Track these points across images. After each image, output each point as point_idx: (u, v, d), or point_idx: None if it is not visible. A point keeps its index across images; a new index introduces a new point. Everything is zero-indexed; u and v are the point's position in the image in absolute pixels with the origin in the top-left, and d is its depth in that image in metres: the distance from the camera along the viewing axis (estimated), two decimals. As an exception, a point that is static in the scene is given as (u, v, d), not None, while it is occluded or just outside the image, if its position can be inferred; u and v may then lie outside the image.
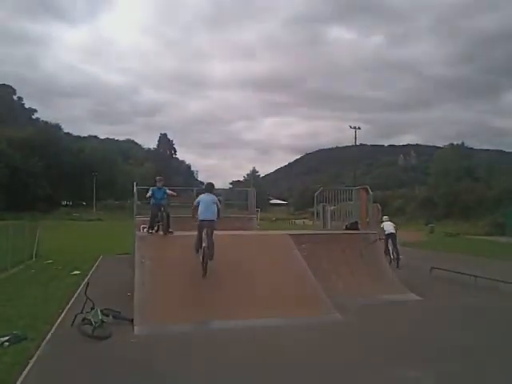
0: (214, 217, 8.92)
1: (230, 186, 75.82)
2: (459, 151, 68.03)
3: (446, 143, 78.42)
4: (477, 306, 9.66)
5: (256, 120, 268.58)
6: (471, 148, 74.02)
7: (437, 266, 13.51)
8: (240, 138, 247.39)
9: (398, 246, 16.13)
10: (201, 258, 8.60)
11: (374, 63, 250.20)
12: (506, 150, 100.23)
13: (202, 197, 9.16)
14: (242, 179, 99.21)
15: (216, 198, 9.34)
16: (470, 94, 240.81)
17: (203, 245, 8.62)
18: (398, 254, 15.63)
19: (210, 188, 9.50)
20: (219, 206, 9.31)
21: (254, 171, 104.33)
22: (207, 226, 8.77)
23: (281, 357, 6.09)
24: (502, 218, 37.35)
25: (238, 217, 15.58)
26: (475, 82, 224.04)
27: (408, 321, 8.40)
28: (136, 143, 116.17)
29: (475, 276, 11.84)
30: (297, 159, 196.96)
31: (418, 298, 10.22)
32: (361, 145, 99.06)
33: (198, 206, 8.97)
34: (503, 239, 29.79)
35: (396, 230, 16.43)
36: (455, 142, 73.68)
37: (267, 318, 7.67)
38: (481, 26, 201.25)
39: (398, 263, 15.17)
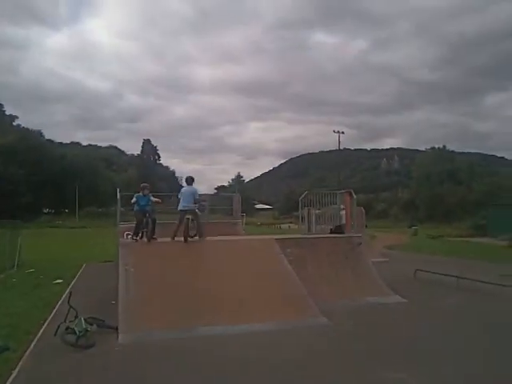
0: (193, 206, 10.09)
1: (215, 191, 75.74)
2: (441, 155, 69.21)
3: (428, 147, 79.70)
4: (460, 306, 9.82)
5: (241, 125, 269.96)
6: (453, 151, 75.45)
7: (420, 268, 13.67)
8: (225, 143, 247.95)
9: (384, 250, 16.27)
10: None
11: (358, 67, 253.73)
12: (487, 153, 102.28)
13: (182, 189, 10.43)
14: (226, 184, 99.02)
15: (195, 190, 10.35)
16: (452, 97, 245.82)
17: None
18: None
19: (189, 181, 10.51)
20: (196, 196, 10.29)
21: (239, 176, 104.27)
22: (188, 214, 9.98)
23: (267, 361, 6.08)
24: (484, 220, 38.01)
25: (223, 222, 15.55)
26: (457, 85, 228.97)
27: (393, 323, 8.47)
28: (119, 149, 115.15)
29: (458, 277, 12.01)
30: (282, 164, 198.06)
31: (402, 300, 10.33)
32: (345, 149, 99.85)
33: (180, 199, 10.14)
34: (485, 240, 30.32)
35: None
36: (437, 146, 75.02)
37: (253, 323, 7.65)
38: (462, 30, 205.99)
39: None
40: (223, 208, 18.49)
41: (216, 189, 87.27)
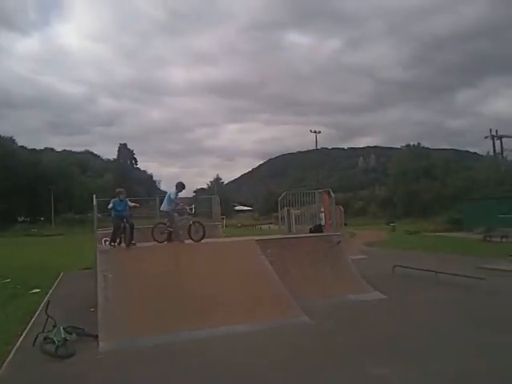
0: (166, 208, 10.48)
1: (194, 194, 75.25)
2: (416, 152, 70.45)
3: (404, 144, 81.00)
4: (439, 301, 10.02)
5: (218, 126, 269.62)
6: (428, 148, 76.77)
7: (399, 264, 13.89)
8: (202, 146, 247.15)
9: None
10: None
11: (332, 67, 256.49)
12: (460, 149, 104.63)
13: None
14: (205, 187, 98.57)
15: (171, 192, 10.59)
16: (426, 95, 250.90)
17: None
18: None
19: (176, 185, 10.72)
20: (172, 197, 10.47)
21: (218, 178, 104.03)
22: (165, 216, 10.68)
23: (253, 363, 6.09)
24: (459, 215, 38.84)
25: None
26: (430, 83, 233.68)
27: (374, 319, 8.58)
28: (94, 154, 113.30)
29: (436, 272, 12.25)
30: (260, 164, 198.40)
31: (382, 296, 10.47)
32: (322, 148, 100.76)
33: None
34: (460, 235, 30.99)
35: None
36: (412, 143, 76.34)
37: (236, 325, 7.65)
38: (433, 30, 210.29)
39: None
40: (203, 211, 18.44)
41: (195, 192, 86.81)
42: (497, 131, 44.80)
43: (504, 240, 24.41)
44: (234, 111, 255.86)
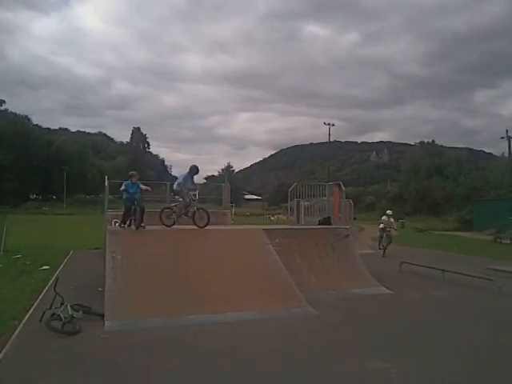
0: (178, 187, 10.68)
1: (205, 181, 75.44)
2: (430, 149, 69.62)
3: (418, 141, 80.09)
4: (444, 298, 9.97)
5: (231, 115, 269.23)
6: (441, 146, 75.83)
7: (406, 261, 13.82)
8: (215, 133, 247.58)
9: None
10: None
11: (349, 61, 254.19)
12: (475, 149, 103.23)
13: None
14: (216, 174, 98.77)
15: (179, 177, 11.07)
16: (442, 93, 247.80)
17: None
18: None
19: (190, 167, 10.94)
20: (181, 179, 10.72)
21: (229, 166, 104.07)
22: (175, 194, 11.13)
23: (254, 350, 6.14)
24: (470, 215, 38.46)
25: (212, 212, 15.52)
26: (447, 81, 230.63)
27: (378, 314, 8.56)
28: (108, 137, 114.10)
29: (443, 270, 12.17)
30: (272, 155, 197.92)
31: (388, 291, 10.44)
32: (335, 141, 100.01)
33: None
34: (470, 235, 30.73)
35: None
36: (426, 141, 75.42)
37: (241, 312, 7.69)
38: (453, 27, 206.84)
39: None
40: (213, 198, 18.50)
41: (206, 179, 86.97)
42: (514, 132, 44.04)
43: (515, 242, 24.12)
44: (248, 100, 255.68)
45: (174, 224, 10.73)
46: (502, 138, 44.45)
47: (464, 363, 5.80)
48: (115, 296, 7.68)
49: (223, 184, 17.29)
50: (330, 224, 13.09)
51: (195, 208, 10.74)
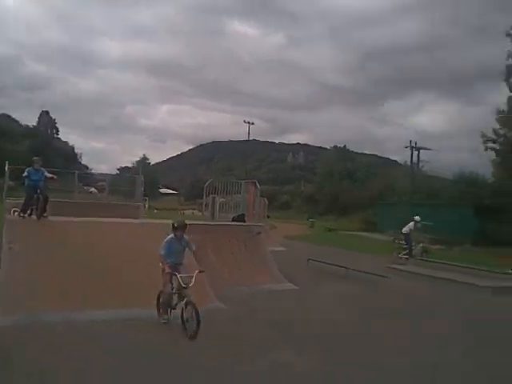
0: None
1: (118, 172, 72.71)
2: (342, 154, 73.42)
3: (332, 145, 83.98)
4: (345, 293, 10.66)
5: (151, 106, 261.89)
6: (352, 151, 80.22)
7: (313, 258, 14.48)
8: (132, 123, 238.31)
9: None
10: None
11: (273, 62, 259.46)
12: (382, 156, 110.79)
13: None
14: (131, 165, 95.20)
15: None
16: (357, 101, 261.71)
17: None
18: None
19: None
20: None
21: (145, 158, 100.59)
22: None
23: (151, 346, 6.07)
24: (374, 217, 41.22)
25: (124, 204, 15.03)
26: (362, 91, 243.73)
27: (284, 308, 8.90)
28: (13, 119, 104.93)
29: (346, 268, 12.96)
30: (190, 149, 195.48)
31: (294, 287, 10.91)
32: (254, 140, 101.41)
33: None
34: (374, 235, 32.88)
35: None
36: (339, 145, 79.36)
37: (147, 308, 7.53)
38: (372, 40, 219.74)
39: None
40: (125, 190, 17.86)
41: (119, 170, 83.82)
42: (416, 143, 47.99)
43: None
44: (169, 92, 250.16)
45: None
46: (406, 147, 48.23)
47: (357, 351, 6.24)
48: (9, 289, 7.15)
49: (137, 176, 16.79)
50: (244, 221, 13.31)
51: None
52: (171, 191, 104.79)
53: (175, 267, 6.73)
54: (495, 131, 24.49)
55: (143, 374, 5.12)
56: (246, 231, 12.17)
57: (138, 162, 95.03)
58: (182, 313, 6.52)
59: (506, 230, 23.02)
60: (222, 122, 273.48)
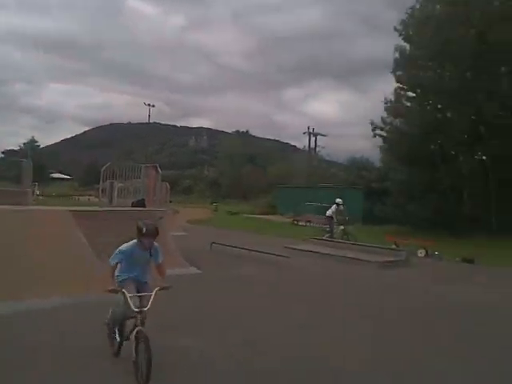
0: None
1: (2, 155, 66.20)
2: (244, 139, 74.64)
3: (234, 130, 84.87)
4: (248, 274, 10.99)
5: (40, 84, 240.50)
6: (254, 136, 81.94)
7: (216, 242, 14.63)
8: (18, 102, 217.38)
9: None
10: None
11: (176, 44, 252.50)
12: (283, 141, 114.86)
13: None
14: (17, 148, 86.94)
15: None
16: (259, 87, 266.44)
17: None
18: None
19: None
20: None
21: (33, 141, 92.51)
22: None
23: (58, 336, 5.75)
24: (275, 200, 42.73)
25: (9, 190, 13.75)
26: (264, 77, 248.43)
27: (185, 293, 8.81)
28: None
29: (249, 249, 13.33)
30: (86, 131, 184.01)
31: (197, 271, 10.95)
32: (155, 123, 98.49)
33: None
34: (275, 218, 34.11)
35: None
36: (242, 130, 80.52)
37: (44, 299, 7.09)
38: (273, 26, 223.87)
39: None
40: (11, 175, 16.39)
41: (3, 153, 76.32)
42: (313, 129, 50.59)
43: (308, 224, 27.88)
44: (63, 70, 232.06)
45: None
46: (304, 133, 50.59)
47: (256, 333, 6.48)
48: None
49: (24, 160, 15.43)
50: (144, 206, 12.95)
51: None
52: (64, 176, 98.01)
53: (135, 286, 4.98)
54: (383, 119, 26.50)
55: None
56: (147, 217, 11.84)
57: (25, 144, 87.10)
58: (134, 348, 4.59)
59: (390, 210, 25.27)
60: (121, 104, 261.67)
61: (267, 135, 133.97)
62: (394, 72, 25.84)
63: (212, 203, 47.12)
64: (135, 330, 4.57)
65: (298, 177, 50.73)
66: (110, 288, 4.68)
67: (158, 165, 14.97)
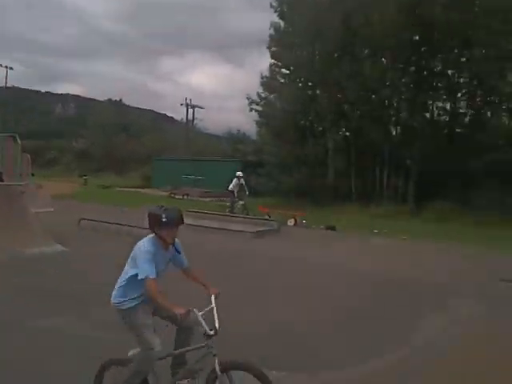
0: None
1: None
2: (117, 108, 70.82)
3: (106, 98, 80.00)
4: (116, 249, 10.54)
5: None
6: (128, 105, 78.16)
7: (85, 217, 13.87)
8: None
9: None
10: None
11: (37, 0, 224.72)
12: (159, 112, 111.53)
13: None
14: None
15: None
16: (134, 55, 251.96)
17: None
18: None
19: None
20: None
21: None
22: None
23: None
24: (151, 173, 41.60)
25: None
26: (139, 44, 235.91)
27: (49, 272, 8.32)
28: None
29: (119, 224, 12.89)
30: None
31: (64, 248, 10.35)
32: (13, 87, 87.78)
33: None
34: (150, 191, 33.31)
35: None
36: (114, 99, 76.17)
37: None
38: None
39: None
40: None
41: None
42: (191, 100, 49.89)
43: (185, 197, 27.84)
44: None
45: None
46: (182, 104, 49.63)
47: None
48: None
49: None
50: (2, 180, 11.71)
51: None
52: None
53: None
54: (259, 94, 27.30)
55: None
56: (6, 192, 10.75)
57: None
58: None
59: (264, 182, 26.41)
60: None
61: (142, 105, 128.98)
62: (269, 48, 26.64)
63: (81, 176, 43.98)
64: (216, 364, 3.07)
65: (175, 149, 49.97)
66: (181, 311, 3.05)
67: (16, 135, 13.48)
